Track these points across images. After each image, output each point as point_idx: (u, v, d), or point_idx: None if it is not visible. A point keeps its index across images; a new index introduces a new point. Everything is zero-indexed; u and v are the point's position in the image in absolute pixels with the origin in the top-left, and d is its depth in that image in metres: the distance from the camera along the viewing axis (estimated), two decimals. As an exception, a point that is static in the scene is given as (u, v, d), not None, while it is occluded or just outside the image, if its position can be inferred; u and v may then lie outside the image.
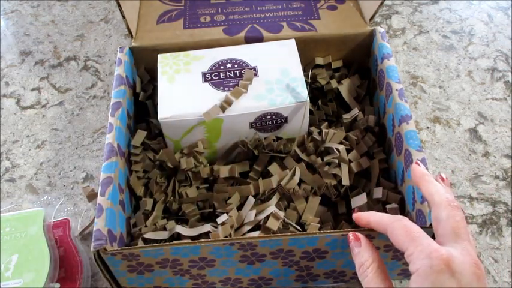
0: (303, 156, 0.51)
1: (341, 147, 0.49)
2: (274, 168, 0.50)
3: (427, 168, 0.40)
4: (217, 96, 0.49)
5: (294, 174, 0.48)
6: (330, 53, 0.60)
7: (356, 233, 0.37)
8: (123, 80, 0.53)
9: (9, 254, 0.49)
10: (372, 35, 0.58)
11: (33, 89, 0.71)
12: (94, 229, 0.40)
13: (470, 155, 0.62)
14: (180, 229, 0.45)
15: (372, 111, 0.57)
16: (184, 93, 0.50)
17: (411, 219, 0.43)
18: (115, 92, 0.51)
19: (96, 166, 0.61)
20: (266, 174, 0.51)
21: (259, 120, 0.49)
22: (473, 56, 0.73)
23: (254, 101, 0.49)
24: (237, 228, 0.45)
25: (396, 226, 0.34)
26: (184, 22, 0.60)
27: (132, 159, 0.51)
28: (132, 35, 0.57)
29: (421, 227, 0.36)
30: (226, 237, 0.43)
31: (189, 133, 0.49)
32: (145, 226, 0.48)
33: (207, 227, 0.45)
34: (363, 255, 0.36)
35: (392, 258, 0.44)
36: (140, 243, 0.45)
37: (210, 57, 0.53)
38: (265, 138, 0.51)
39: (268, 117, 0.49)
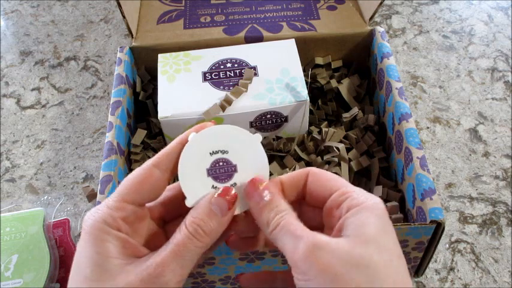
0: (302, 155, 0.51)
1: (341, 146, 0.49)
2: (274, 167, 0.50)
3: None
4: (217, 95, 0.49)
5: (294, 173, 0.48)
6: (330, 52, 0.60)
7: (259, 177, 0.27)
8: (123, 79, 0.53)
9: (9, 254, 0.49)
10: (371, 35, 0.58)
11: (33, 89, 0.71)
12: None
13: (470, 155, 0.62)
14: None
15: (371, 110, 0.57)
16: (184, 93, 0.50)
17: (411, 217, 0.43)
18: (115, 91, 0.51)
19: (96, 166, 0.61)
20: (266, 174, 0.51)
21: (259, 119, 0.49)
22: (473, 56, 0.73)
23: (254, 100, 0.49)
24: (237, 227, 0.45)
25: (319, 171, 0.28)
26: (185, 22, 0.60)
27: (132, 158, 0.51)
28: (132, 35, 0.57)
29: (421, 225, 0.36)
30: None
31: (189, 132, 0.49)
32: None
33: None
34: (277, 204, 0.26)
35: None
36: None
37: (210, 56, 0.53)
38: (265, 138, 0.51)
39: (268, 116, 0.49)
